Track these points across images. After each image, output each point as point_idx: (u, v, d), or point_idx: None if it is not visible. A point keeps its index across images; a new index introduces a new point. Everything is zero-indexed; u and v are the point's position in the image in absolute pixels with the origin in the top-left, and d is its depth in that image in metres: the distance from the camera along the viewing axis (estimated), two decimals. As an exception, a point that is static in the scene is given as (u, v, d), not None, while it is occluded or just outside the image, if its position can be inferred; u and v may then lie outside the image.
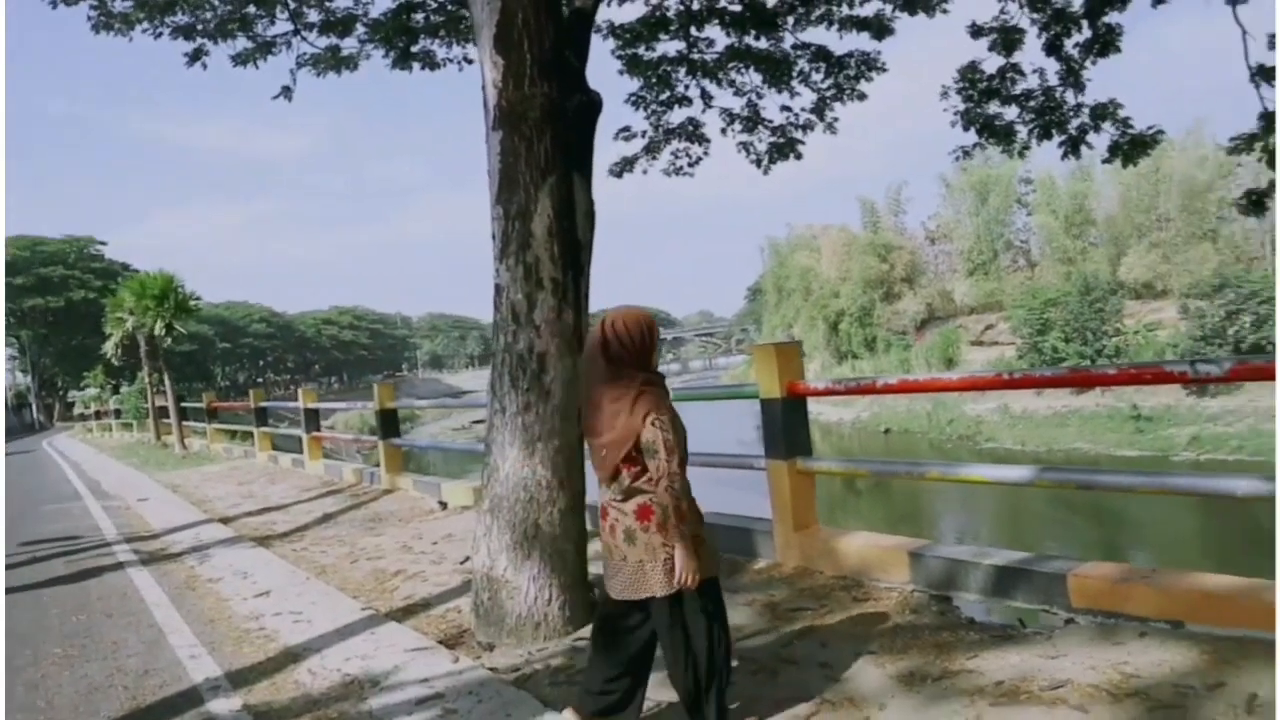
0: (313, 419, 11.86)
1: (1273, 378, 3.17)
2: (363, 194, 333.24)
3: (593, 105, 4.89)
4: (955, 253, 59.47)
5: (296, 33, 9.46)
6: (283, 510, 8.89)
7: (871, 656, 3.58)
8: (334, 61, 9.57)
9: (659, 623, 2.94)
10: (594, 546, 5.30)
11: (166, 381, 21.76)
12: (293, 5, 9.31)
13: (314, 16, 9.48)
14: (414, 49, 9.76)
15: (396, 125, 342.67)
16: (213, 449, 16.10)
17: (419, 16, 9.53)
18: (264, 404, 14.96)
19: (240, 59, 9.34)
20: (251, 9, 9.15)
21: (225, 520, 8.49)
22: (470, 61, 10.32)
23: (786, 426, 5.02)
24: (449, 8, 9.45)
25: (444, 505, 8.09)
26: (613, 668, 3.04)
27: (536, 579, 4.26)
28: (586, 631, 4.29)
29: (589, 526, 4.68)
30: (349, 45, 9.60)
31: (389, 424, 9.55)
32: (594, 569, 4.94)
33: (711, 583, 2.97)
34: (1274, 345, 31.97)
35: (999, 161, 48.04)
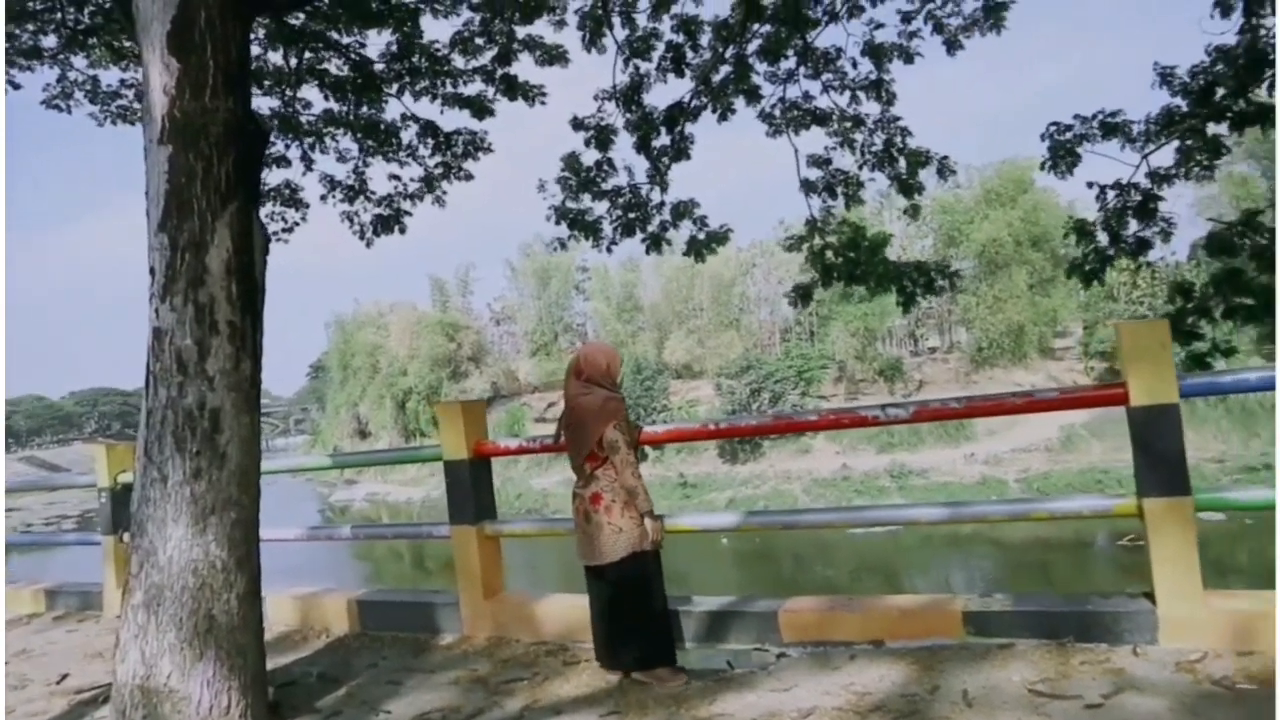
0: None
1: (947, 418, 3.69)
2: None
3: (264, 134, 4.37)
4: (519, 333, 62.72)
5: None
6: None
7: (616, 717, 3.45)
8: None
9: (619, 579, 3.74)
10: (269, 636, 4.56)
11: None
12: None
13: None
14: None
15: None
16: None
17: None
18: None
19: None
20: None
21: None
22: (18, 87, 8.72)
23: (475, 488, 4.80)
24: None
25: (-7, 616, 6.41)
26: (598, 619, 3.88)
27: (212, 683, 3.50)
28: (272, 738, 3.62)
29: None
30: None
31: (-99, 518, 7.39)
32: (271, 660, 4.23)
33: (657, 551, 3.82)
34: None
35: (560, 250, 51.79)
